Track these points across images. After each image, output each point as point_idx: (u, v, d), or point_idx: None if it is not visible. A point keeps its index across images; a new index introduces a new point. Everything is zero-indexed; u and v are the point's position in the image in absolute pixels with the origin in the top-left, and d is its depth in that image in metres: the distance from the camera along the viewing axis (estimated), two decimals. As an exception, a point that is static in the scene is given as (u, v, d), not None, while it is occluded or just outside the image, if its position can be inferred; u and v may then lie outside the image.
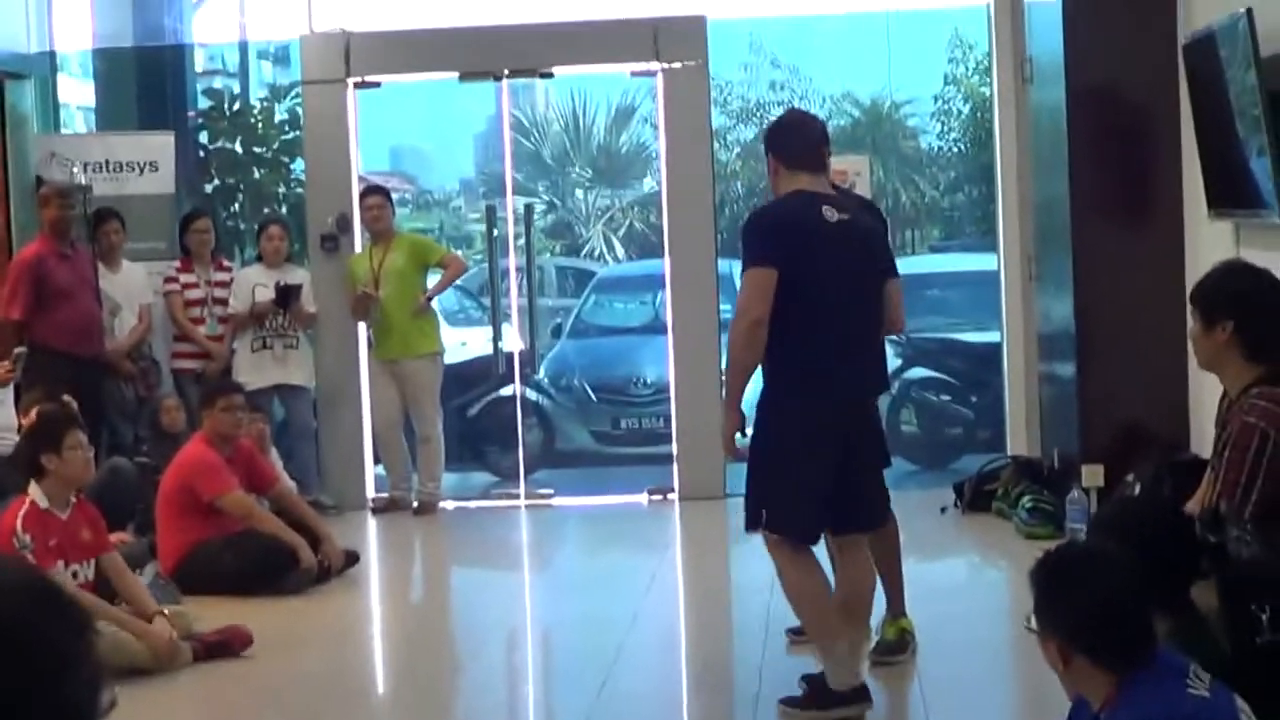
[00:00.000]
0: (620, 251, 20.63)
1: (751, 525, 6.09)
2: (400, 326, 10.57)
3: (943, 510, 9.89)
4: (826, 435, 5.97)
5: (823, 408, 5.98)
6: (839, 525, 6.19)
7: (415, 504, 10.66)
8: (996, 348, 11.31)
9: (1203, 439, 7.50)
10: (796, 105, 18.26)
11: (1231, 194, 7.40)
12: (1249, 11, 6.64)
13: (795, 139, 6.24)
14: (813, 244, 5.93)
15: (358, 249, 10.89)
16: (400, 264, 10.59)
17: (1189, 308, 5.01)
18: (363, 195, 10.81)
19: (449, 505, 10.83)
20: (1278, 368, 4.83)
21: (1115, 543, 3.79)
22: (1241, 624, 4.05)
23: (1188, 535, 4.25)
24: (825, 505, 6.00)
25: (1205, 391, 7.27)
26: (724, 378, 6.18)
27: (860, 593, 6.33)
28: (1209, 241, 8.19)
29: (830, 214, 6.01)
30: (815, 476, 5.95)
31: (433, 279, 10.83)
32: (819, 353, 5.92)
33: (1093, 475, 8.38)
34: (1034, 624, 3.64)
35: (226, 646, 7.20)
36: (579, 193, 21.50)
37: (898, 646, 6.79)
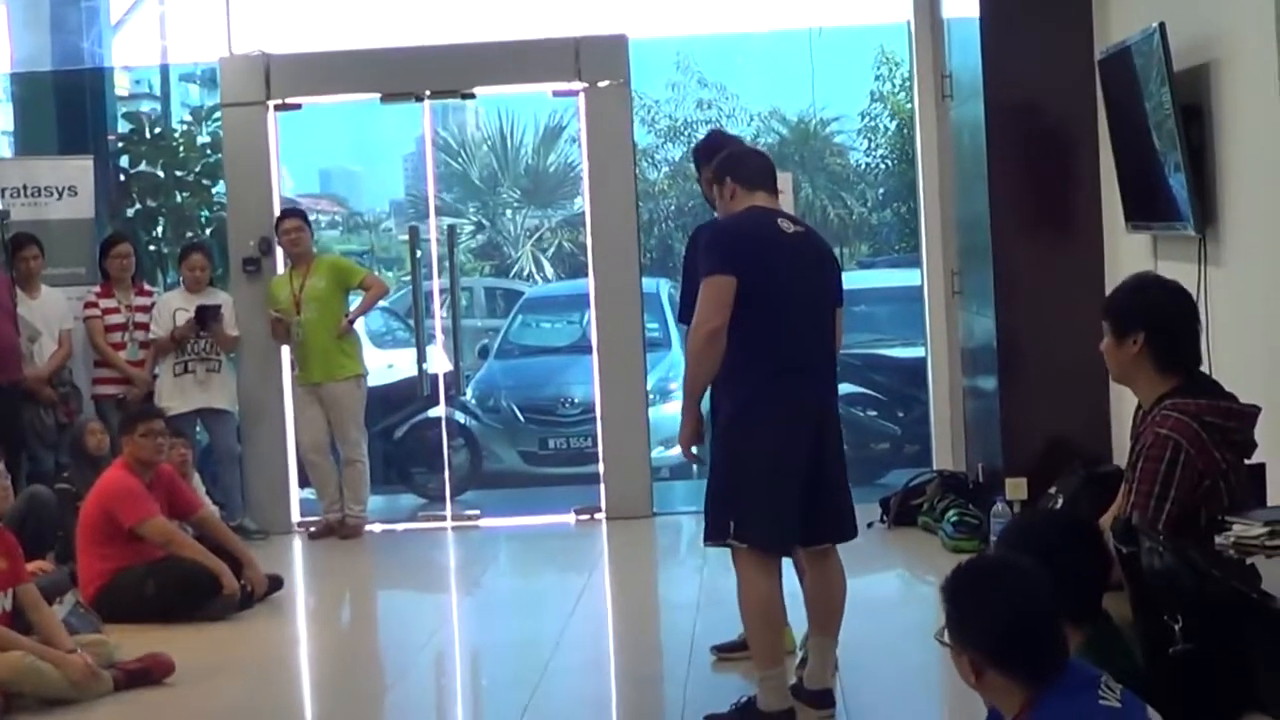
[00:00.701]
0: (550, 271, 20.62)
1: (715, 536, 6.03)
2: (322, 350, 10.51)
3: (869, 525, 9.90)
4: (796, 445, 5.94)
5: (792, 417, 5.95)
6: (809, 537, 6.15)
7: (342, 524, 10.61)
8: (922, 363, 11.35)
9: (1124, 451, 7.53)
10: (723, 124, 18.33)
11: (1148, 207, 7.45)
12: (1162, 26, 6.69)
13: (752, 162, 6.34)
14: (771, 254, 5.95)
15: (279, 272, 10.83)
16: (321, 287, 10.54)
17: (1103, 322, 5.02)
18: (280, 218, 10.75)
19: (376, 528, 10.79)
20: (1189, 378, 4.86)
21: (1025, 555, 3.79)
22: (1154, 634, 4.06)
23: (1097, 546, 4.26)
24: (795, 516, 5.98)
25: (1126, 404, 7.30)
26: (683, 385, 6.13)
27: (833, 602, 6.32)
28: (1128, 255, 8.26)
29: (786, 226, 6.07)
30: (786, 486, 5.93)
31: (354, 301, 10.79)
32: (785, 362, 5.93)
33: (1016, 488, 8.40)
34: (945, 638, 3.63)
35: (148, 674, 7.13)
36: (508, 213, 21.47)
37: None
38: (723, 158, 6.43)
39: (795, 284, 5.96)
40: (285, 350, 10.79)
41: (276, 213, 10.92)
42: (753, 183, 6.17)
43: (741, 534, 5.93)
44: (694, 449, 6.16)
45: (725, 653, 7.07)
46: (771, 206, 6.20)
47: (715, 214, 6.85)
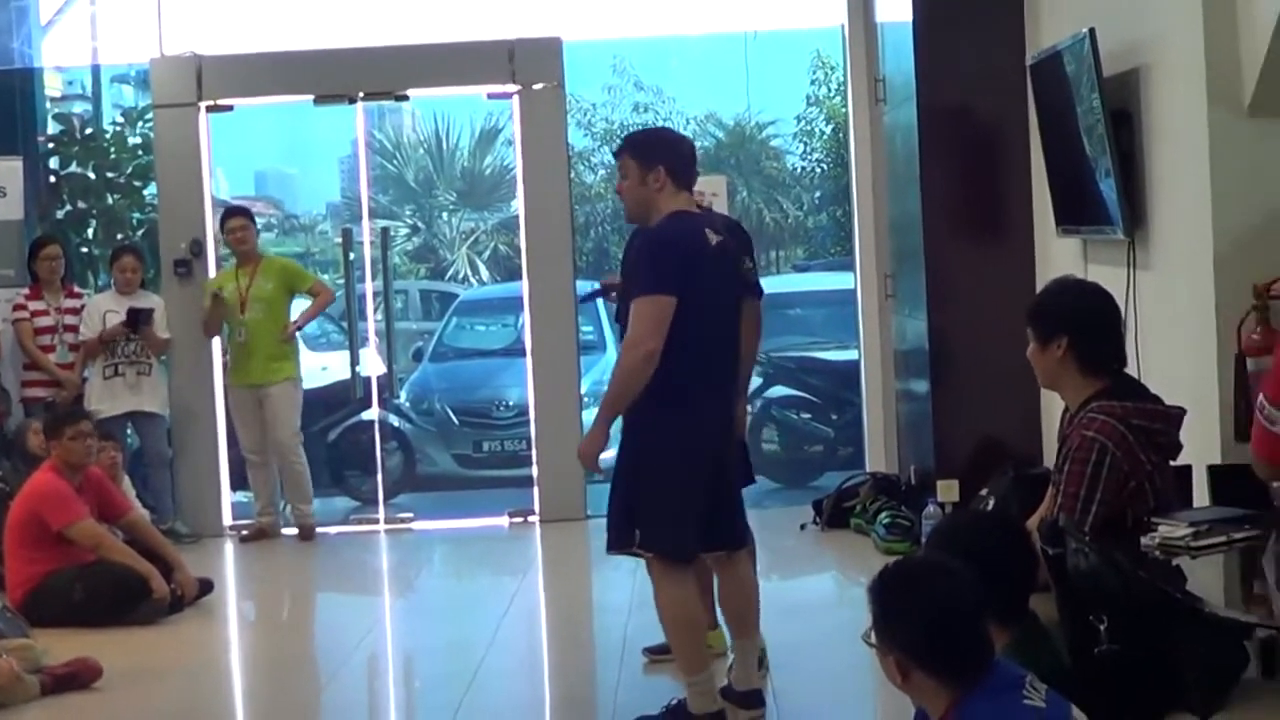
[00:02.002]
0: (485, 274, 20.60)
1: (618, 545, 6.02)
2: (263, 352, 10.45)
3: (802, 527, 9.95)
4: (701, 454, 5.95)
5: (698, 427, 5.94)
6: (711, 543, 6.14)
7: (296, 530, 10.57)
8: (856, 366, 11.39)
9: (1054, 453, 7.59)
10: (660, 126, 18.35)
11: (1079, 211, 7.50)
12: (1092, 31, 6.74)
13: (684, 155, 6.17)
14: (699, 268, 5.89)
15: (211, 274, 10.78)
16: (269, 290, 10.49)
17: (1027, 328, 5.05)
18: (225, 217, 10.68)
19: (307, 530, 10.74)
20: (1115, 381, 4.89)
21: (952, 556, 3.81)
22: (1080, 635, 4.09)
23: (1024, 546, 4.28)
24: (699, 523, 5.97)
25: (1056, 406, 7.31)
26: (606, 394, 6.10)
27: (747, 605, 6.33)
28: (1058, 258, 8.31)
29: (711, 237, 6.00)
30: (690, 495, 5.92)
31: (298, 305, 10.75)
32: (695, 374, 5.89)
33: (947, 490, 8.45)
34: (872, 639, 3.64)
35: (75, 679, 7.07)
36: (443, 215, 21.44)
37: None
38: (660, 142, 6.35)
39: (713, 299, 5.93)
40: (217, 353, 10.74)
41: (209, 215, 10.86)
42: (682, 181, 6.08)
43: (647, 542, 5.92)
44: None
45: (657, 654, 7.06)
46: (695, 210, 6.15)
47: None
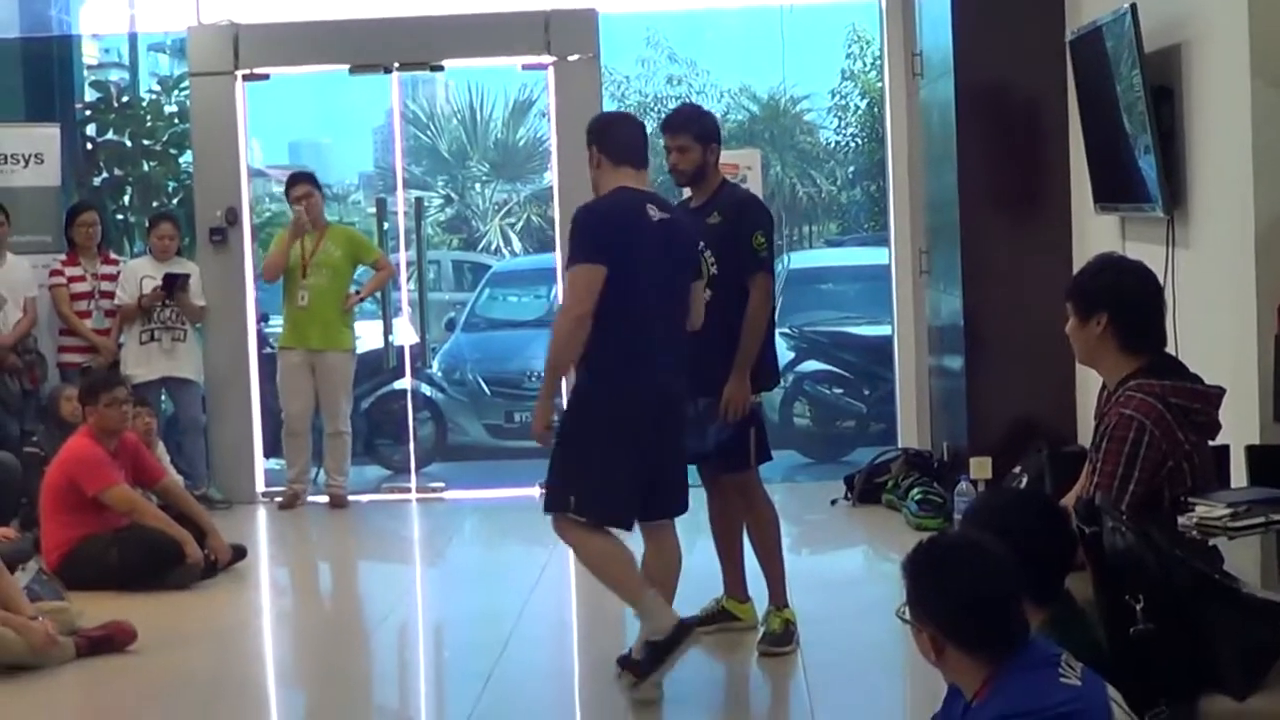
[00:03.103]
0: (517, 245, 20.60)
1: (555, 507, 6.26)
2: (324, 318, 10.47)
3: (833, 502, 9.95)
4: (638, 425, 6.17)
5: (633, 396, 6.17)
6: (649, 512, 6.34)
7: (327, 497, 10.61)
8: (889, 341, 11.37)
9: (1089, 431, 7.55)
10: (693, 99, 18.33)
11: (1117, 189, 7.46)
12: (1133, 7, 6.69)
13: (621, 134, 6.42)
14: (636, 242, 6.14)
15: (246, 242, 10.81)
16: (337, 256, 10.53)
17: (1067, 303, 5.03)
18: (290, 184, 10.71)
19: (340, 499, 10.77)
20: (1154, 359, 4.86)
21: (987, 534, 3.80)
22: (1116, 614, 4.08)
23: (1061, 526, 4.27)
24: (636, 492, 6.22)
25: (1091, 384, 7.32)
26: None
27: (669, 575, 6.47)
28: (1096, 236, 8.27)
29: (653, 213, 6.22)
30: (628, 464, 6.16)
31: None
32: (633, 347, 6.16)
33: (980, 467, 8.45)
34: (906, 615, 3.64)
35: (110, 642, 7.12)
36: (476, 187, 21.44)
37: (783, 638, 6.87)
38: (593, 122, 6.60)
39: (653, 273, 6.15)
40: (251, 320, 10.78)
41: (244, 183, 10.90)
42: (619, 158, 6.30)
43: (581, 508, 6.17)
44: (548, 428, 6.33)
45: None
46: (639, 187, 6.32)
47: (682, 188, 6.96)
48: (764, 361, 6.88)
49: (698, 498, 6.85)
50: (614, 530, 6.31)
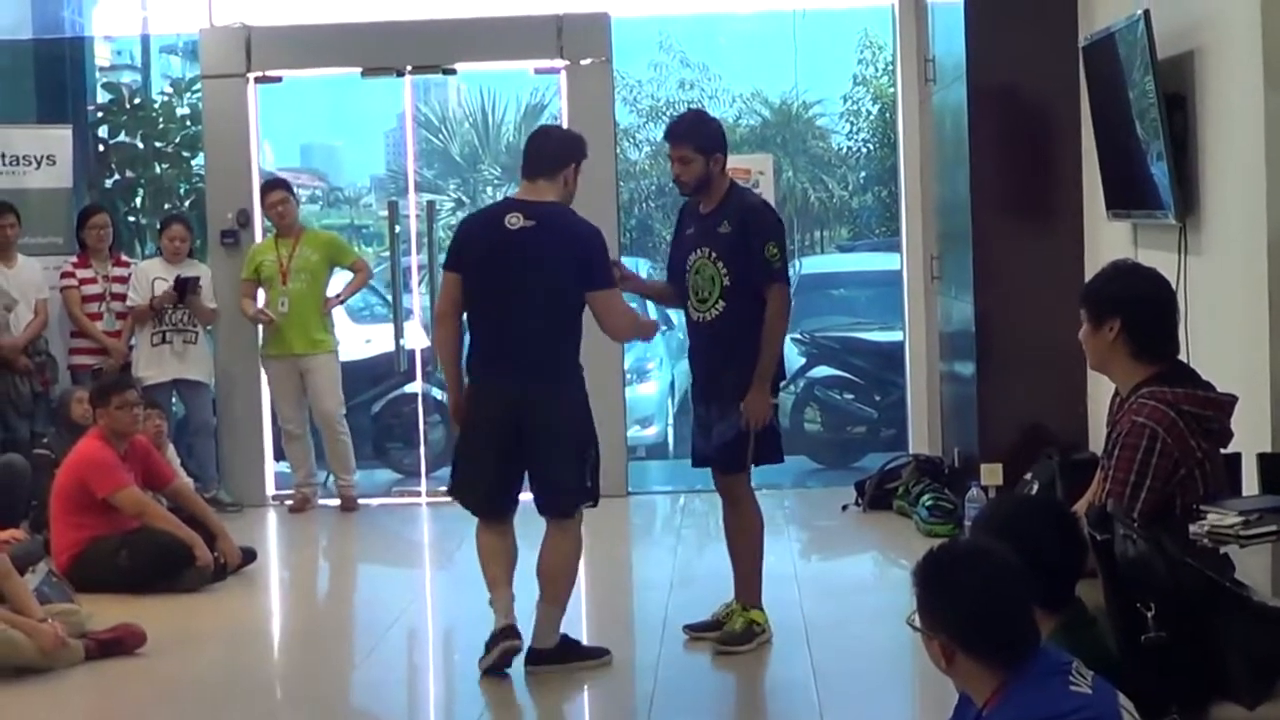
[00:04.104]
0: (529, 249, 20.54)
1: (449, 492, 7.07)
2: (304, 322, 10.48)
3: (844, 508, 9.94)
4: (490, 428, 6.62)
5: (483, 398, 6.65)
6: (500, 507, 6.82)
7: (338, 501, 10.61)
8: (900, 347, 11.35)
9: (1100, 438, 7.54)
10: (705, 104, 18.33)
11: (1129, 195, 7.44)
12: (1146, 14, 6.68)
13: (525, 152, 6.83)
14: (486, 249, 6.57)
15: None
16: (314, 261, 10.53)
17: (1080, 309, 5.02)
18: (265, 190, 10.70)
19: (349, 503, 10.77)
20: (1167, 366, 4.85)
21: (998, 541, 3.79)
22: (1127, 622, 4.07)
23: (1072, 533, 4.26)
24: (486, 489, 6.75)
25: (1103, 391, 7.30)
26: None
27: (546, 571, 6.84)
28: (1108, 242, 8.25)
29: (514, 221, 6.55)
30: (480, 458, 6.69)
31: (335, 280, 10.78)
32: (476, 348, 6.74)
33: (991, 474, 8.44)
34: (917, 622, 3.63)
35: (120, 645, 7.13)
36: (488, 190, 21.41)
37: (741, 637, 6.94)
38: None
39: (495, 279, 6.54)
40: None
41: (256, 186, 10.90)
42: (520, 172, 6.76)
43: (454, 496, 6.97)
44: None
45: (697, 632, 7.11)
46: (519, 198, 6.65)
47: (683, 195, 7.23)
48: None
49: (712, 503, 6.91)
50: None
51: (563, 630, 6.87)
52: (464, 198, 21.16)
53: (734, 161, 7.07)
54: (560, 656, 6.76)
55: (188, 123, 12.87)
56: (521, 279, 6.49)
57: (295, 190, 11.01)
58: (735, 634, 6.94)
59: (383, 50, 10.95)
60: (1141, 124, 6.97)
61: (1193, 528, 4.52)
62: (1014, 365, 8.90)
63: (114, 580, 8.13)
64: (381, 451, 12.57)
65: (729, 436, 6.87)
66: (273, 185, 10.79)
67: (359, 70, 11.14)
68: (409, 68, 11.14)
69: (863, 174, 20.39)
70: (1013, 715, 3.48)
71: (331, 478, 10.75)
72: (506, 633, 6.70)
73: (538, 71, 11.29)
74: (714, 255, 6.81)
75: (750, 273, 6.74)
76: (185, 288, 10.35)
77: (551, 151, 6.72)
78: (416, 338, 11.81)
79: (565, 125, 10.96)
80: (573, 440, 6.66)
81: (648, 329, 7.40)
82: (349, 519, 10.46)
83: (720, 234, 6.81)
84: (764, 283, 6.73)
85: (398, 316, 11.34)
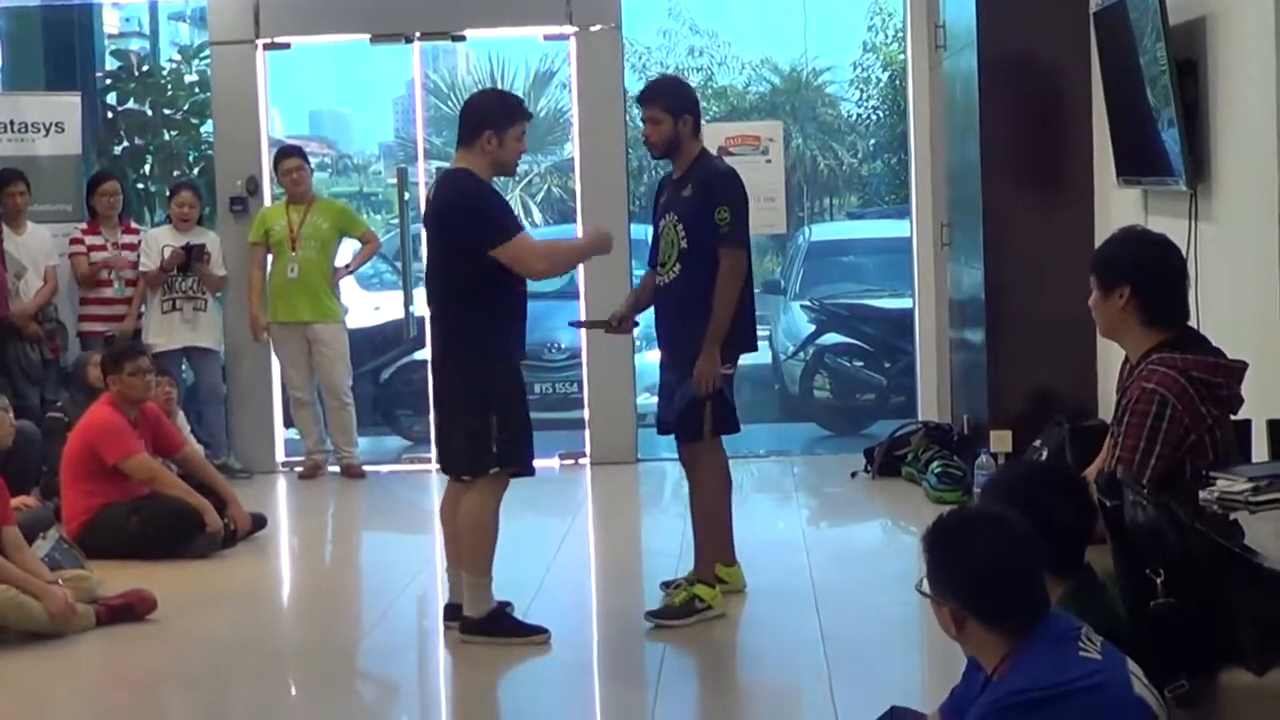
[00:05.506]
0: (538, 216, 20.58)
1: None
2: (313, 290, 10.49)
3: (853, 475, 9.95)
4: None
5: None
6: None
7: (340, 468, 10.64)
8: (910, 314, 11.35)
9: (1109, 405, 7.54)
10: (714, 71, 18.32)
11: (1140, 162, 7.42)
12: (1158, -21, 6.65)
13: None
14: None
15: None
16: (324, 229, 10.54)
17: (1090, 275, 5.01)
18: (279, 157, 10.70)
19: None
20: (1177, 333, 4.85)
21: (1007, 507, 3.79)
22: (1136, 588, 4.06)
23: (1081, 498, 4.26)
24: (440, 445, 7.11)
25: (1112, 358, 7.30)
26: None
27: (451, 533, 7.04)
28: (1118, 209, 8.24)
29: (430, 194, 6.87)
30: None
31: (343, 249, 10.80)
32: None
33: (1000, 440, 8.43)
34: (926, 588, 3.64)
35: (130, 610, 7.15)
36: (497, 157, 21.36)
37: (680, 611, 6.92)
38: None
39: (427, 243, 6.86)
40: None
41: (265, 153, 10.89)
42: None
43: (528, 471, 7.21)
44: None
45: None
46: (455, 165, 6.74)
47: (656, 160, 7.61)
48: (734, 331, 6.88)
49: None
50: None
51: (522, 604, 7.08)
52: (473, 165, 21.14)
53: (743, 129, 7.09)
54: (487, 628, 6.78)
55: (196, 90, 12.87)
56: (431, 249, 6.83)
57: (309, 158, 11.01)
58: (673, 608, 6.91)
59: (392, 17, 10.93)
60: (1152, 90, 6.95)
61: (1202, 494, 4.52)
62: (1024, 332, 8.89)
63: (124, 546, 8.16)
64: (390, 418, 12.58)
65: (682, 404, 6.91)
66: (287, 152, 10.79)
67: (368, 37, 11.12)
68: (418, 34, 11.11)
69: (872, 141, 20.39)
70: (1022, 681, 3.48)
71: (334, 447, 10.76)
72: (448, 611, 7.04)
73: (547, 38, 11.27)
74: (675, 219, 6.85)
75: (706, 238, 6.75)
76: (193, 256, 10.36)
77: (467, 119, 6.67)
78: (426, 305, 11.80)
79: (575, 92, 10.95)
80: (462, 406, 6.77)
81: (574, 252, 7.58)
82: (359, 485, 10.49)
83: (683, 198, 6.85)
84: (716, 246, 6.75)
85: (407, 283, 11.31)
